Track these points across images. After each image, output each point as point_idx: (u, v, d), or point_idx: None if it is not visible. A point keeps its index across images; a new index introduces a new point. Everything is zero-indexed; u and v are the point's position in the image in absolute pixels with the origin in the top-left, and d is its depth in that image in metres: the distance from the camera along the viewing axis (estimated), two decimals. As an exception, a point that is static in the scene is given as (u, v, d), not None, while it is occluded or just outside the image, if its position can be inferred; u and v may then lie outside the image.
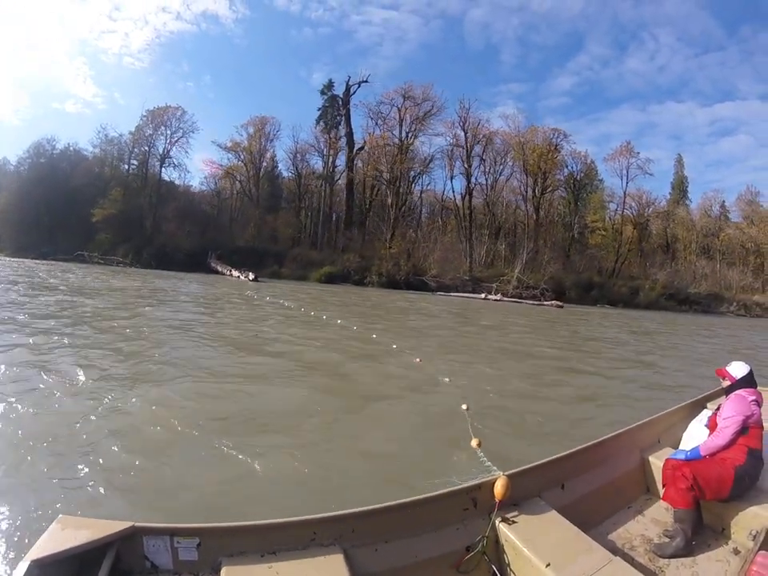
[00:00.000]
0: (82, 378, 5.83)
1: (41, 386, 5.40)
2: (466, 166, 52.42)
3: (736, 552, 2.65)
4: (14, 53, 73.01)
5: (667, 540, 2.70)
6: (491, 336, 14.11)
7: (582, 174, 57.65)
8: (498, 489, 2.38)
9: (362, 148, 54.24)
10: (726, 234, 55.60)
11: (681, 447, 3.41)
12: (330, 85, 56.64)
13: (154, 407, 4.97)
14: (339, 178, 56.17)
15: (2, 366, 6.00)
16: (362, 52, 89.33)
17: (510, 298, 37.29)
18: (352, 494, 3.34)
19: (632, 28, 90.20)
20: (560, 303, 35.03)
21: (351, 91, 54.47)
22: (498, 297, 36.99)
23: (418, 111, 51.74)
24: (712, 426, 3.12)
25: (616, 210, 56.60)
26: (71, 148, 52.75)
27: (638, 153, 54.47)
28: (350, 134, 54.37)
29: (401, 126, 52.24)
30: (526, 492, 2.58)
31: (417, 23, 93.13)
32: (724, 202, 58.31)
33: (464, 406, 5.42)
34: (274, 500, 3.35)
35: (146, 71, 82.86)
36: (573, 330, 18.98)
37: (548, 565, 2.06)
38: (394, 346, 9.76)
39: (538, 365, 9.46)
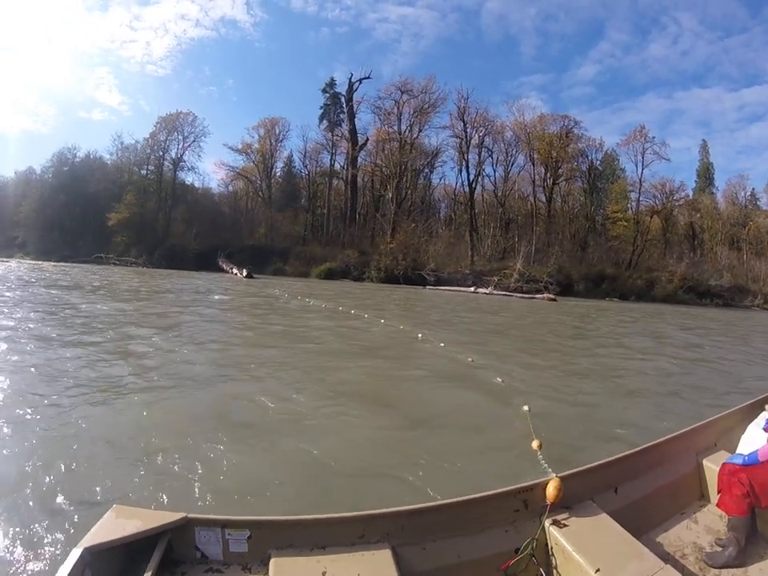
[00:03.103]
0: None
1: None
2: (464, 157, 51.61)
3: None
4: (40, 65, 77.74)
5: (719, 549, 2.55)
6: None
7: (599, 162, 55.51)
8: (551, 491, 2.31)
9: (364, 145, 54.24)
10: (754, 222, 51.76)
11: (738, 451, 3.15)
12: (331, 83, 57.20)
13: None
14: (349, 176, 56.39)
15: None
16: (380, 49, 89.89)
17: (504, 291, 36.05)
18: (409, 489, 3.45)
19: (652, 13, 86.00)
20: (553, 297, 33.19)
21: (354, 88, 54.60)
22: (489, 290, 35.87)
23: (421, 104, 51.28)
24: None
25: (637, 199, 54.04)
26: (91, 156, 55.63)
27: (653, 137, 51.87)
28: (353, 131, 54.44)
29: (399, 120, 52.00)
30: (579, 495, 2.48)
31: (433, 18, 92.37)
32: (753, 189, 54.53)
33: (525, 407, 5.34)
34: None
35: (169, 78, 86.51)
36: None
37: (597, 570, 1.99)
38: (442, 345, 9.62)
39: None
